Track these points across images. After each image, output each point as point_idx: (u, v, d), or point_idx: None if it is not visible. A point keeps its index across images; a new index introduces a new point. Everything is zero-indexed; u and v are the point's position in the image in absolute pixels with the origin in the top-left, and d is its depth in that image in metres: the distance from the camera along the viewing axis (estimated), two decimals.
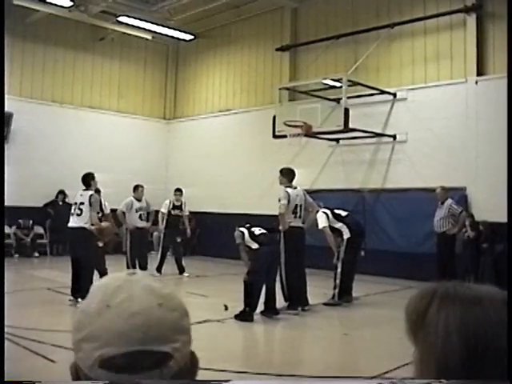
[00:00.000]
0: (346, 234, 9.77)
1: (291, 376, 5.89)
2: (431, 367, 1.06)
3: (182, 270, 13.02)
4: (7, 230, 15.80)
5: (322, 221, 9.80)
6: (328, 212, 9.91)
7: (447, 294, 1.10)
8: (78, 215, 9.56)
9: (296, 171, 9.82)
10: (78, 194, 9.83)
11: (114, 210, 12.15)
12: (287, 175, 9.63)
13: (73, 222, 9.61)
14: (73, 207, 9.75)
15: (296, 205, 9.37)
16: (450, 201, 11.89)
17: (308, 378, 5.75)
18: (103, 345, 0.94)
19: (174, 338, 0.97)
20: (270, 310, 8.72)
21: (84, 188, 9.81)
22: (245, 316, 8.39)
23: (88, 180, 9.81)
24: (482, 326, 1.05)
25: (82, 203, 9.55)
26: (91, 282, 9.50)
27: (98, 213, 9.88)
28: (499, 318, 1.08)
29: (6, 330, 6.86)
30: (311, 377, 5.78)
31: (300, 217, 9.47)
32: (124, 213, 12.29)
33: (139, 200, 12.38)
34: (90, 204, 9.51)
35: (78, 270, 9.57)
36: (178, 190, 13.41)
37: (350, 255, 9.91)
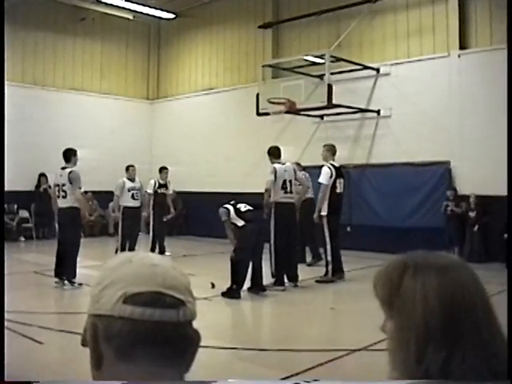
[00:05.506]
0: None
1: (278, 351, 5.94)
2: (411, 333, 1.08)
3: (162, 250, 13.03)
4: None
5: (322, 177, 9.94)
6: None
7: (420, 262, 1.14)
8: (63, 197, 9.47)
9: (281, 148, 9.89)
10: (57, 175, 9.65)
11: (106, 192, 12.14)
12: (273, 153, 9.75)
13: (60, 204, 9.51)
14: (56, 188, 9.66)
15: (285, 180, 9.42)
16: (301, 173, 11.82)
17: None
18: (127, 285, 1.03)
19: (186, 294, 1.07)
20: (257, 287, 8.77)
21: (63, 166, 9.65)
22: (232, 293, 8.44)
23: (69, 155, 9.62)
24: (459, 288, 1.09)
25: (63, 184, 9.41)
26: (75, 263, 9.50)
27: (80, 188, 9.75)
28: (473, 282, 1.12)
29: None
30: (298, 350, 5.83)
31: (291, 192, 9.52)
32: (118, 196, 12.25)
33: (132, 180, 12.38)
34: (71, 182, 9.37)
35: (65, 250, 9.51)
36: (165, 168, 13.39)
37: (334, 230, 9.96)
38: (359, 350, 5.76)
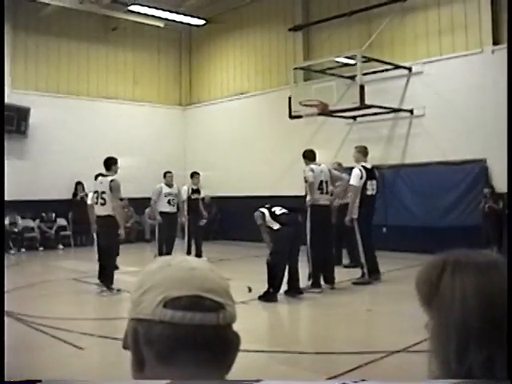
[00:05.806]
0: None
1: (316, 353, 5.93)
2: (451, 332, 1.07)
3: (199, 255, 13.09)
4: (31, 223, 16.05)
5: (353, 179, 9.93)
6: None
7: (459, 261, 1.13)
8: (102, 205, 9.55)
9: (315, 151, 9.90)
10: (97, 182, 9.75)
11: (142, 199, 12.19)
12: (308, 156, 9.77)
13: (99, 211, 9.61)
14: (94, 195, 9.77)
15: (321, 181, 9.44)
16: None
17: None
18: (167, 290, 1.04)
19: (226, 297, 1.07)
20: (294, 290, 8.75)
21: (102, 173, 9.76)
22: (269, 297, 8.44)
23: (110, 164, 9.69)
24: (498, 286, 1.07)
25: (103, 192, 9.48)
26: (113, 269, 9.68)
27: (120, 198, 9.87)
28: None
29: (33, 320, 7.01)
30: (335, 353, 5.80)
31: (327, 193, 9.54)
32: (155, 201, 12.41)
33: (169, 186, 12.52)
34: (111, 190, 9.44)
35: (103, 258, 9.67)
36: (196, 173, 13.47)
37: (365, 231, 9.90)
38: (398, 351, 5.71)
